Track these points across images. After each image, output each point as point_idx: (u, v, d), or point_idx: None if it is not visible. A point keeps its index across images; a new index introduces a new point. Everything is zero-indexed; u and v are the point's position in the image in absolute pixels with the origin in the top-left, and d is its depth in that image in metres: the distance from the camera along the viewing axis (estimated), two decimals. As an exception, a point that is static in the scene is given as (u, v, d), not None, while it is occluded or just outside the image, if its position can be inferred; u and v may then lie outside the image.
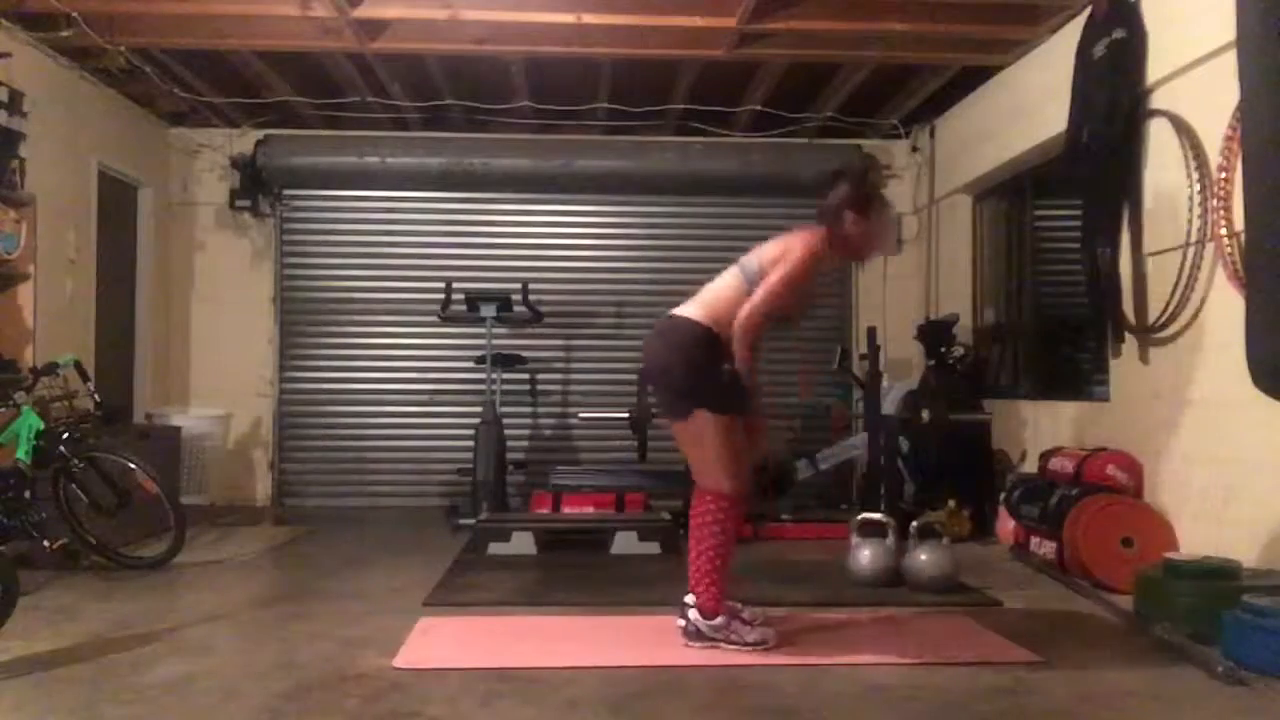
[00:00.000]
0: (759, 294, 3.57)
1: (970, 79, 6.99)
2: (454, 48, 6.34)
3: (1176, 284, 4.72)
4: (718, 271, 3.64)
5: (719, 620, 3.61)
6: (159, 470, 5.51)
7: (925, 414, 6.33)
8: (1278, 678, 3.25)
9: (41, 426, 5.11)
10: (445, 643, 3.77)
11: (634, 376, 6.89)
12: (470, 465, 6.89)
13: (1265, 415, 3.94)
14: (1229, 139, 4.29)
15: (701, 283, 3.74)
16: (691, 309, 3.67)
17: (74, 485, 5.19)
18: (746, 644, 3.59)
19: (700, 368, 3.59)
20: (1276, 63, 3.38)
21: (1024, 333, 7.08)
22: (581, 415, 7.46)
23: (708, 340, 3.60)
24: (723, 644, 3.60)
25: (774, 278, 3.58)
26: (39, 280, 6.07)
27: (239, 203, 7.97)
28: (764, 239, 3.78)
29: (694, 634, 3.64)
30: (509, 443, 7.28)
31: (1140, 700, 3.15)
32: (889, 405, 6.71)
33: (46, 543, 4.96)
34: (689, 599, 3.68)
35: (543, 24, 5.99)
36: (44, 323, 6.11)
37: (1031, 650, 3.60)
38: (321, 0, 5.64)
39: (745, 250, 3.73)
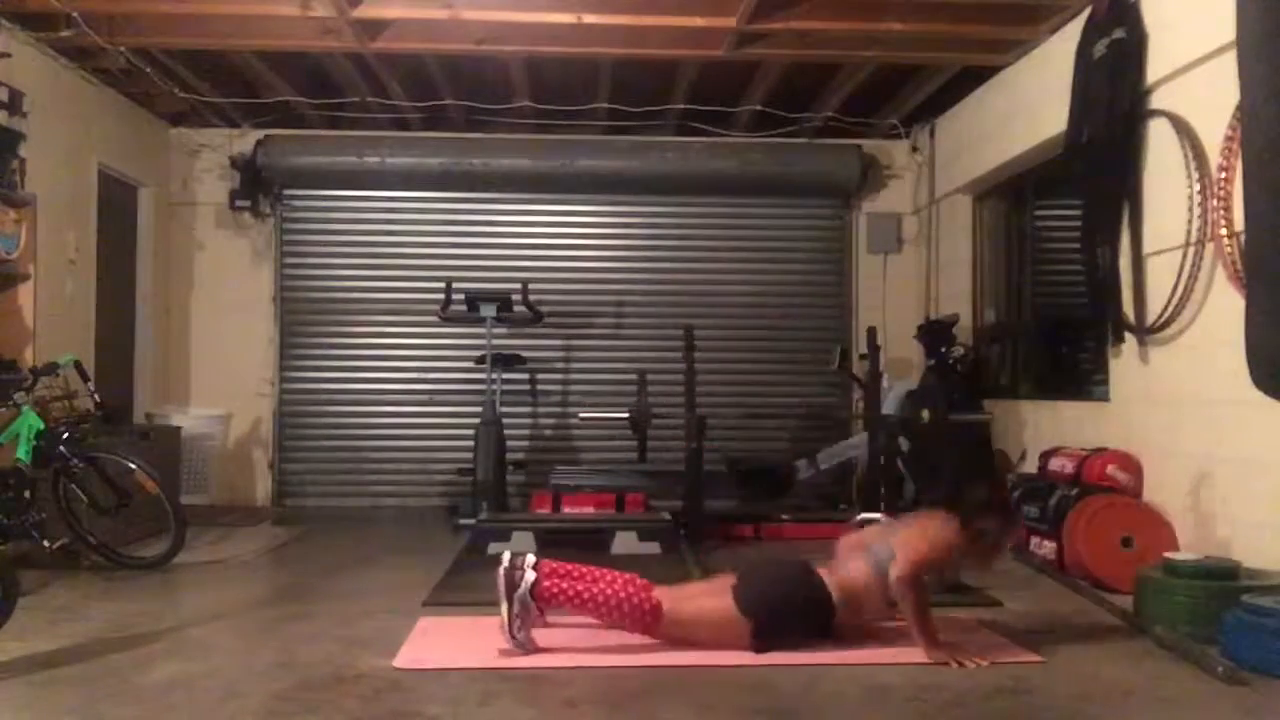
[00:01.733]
0: (903, 558, 3.60)
1: (970, 79, 6.99)
2: (454, 48, 6.34)
3: (1176, 284, 4.72)
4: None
5: (532, 605, 3.55)
6: (159, 470, 5.52)
7: (925, 414, 6.32)
8: (1278, 678, 3.26)
9: (41, 426, 5.11)
10: (445, 643, 3.77)
11: (633, 376, 6.89)
12: (470, 465, 6.89)
13: (1265, 415, 3.94)
14: (1229, 139, 4.29)
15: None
16: (825, 573, 3.72)
17: (74, 485, 5.19)
18: (512, 634, 3.53)
19: (795, 610, 3.66)
20: (1277, 62, 3.38)
21: (1024, 333, 7.08)
22: (581, 415, 7.46)
23: (820, 597, 3.66)
24: (503, 610, 3.53)
25: (910, 553, 3.62)
26: (39, 280, 6.07)
27: (239, 203, 7.97)
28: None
29: (510, 582, 3.54)
30: (509, 443, 7.28)
31: (1140, 700, 3.15)
32: (889, 405, 6.71)
33: (46, 543, 4.96)
34: (532, 560, 3.62)
35: (543, 24, 5.99)
36: (44, 323, 6.11)
37: (1031, 650, 3.60)
38: (321, 0, 5.64)
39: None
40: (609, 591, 3.60)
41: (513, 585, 3.56)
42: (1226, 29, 4.07)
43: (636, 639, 3.67)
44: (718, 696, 3.17)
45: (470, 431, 7.03)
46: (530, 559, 3.65)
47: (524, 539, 5.64)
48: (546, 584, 3.59)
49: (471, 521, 6.20)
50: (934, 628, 3.58)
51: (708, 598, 3.70)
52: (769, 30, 6.03)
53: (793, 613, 3.66)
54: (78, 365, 5.49)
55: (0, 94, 5.70)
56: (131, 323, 7.67)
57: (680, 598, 3.69)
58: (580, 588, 3.61)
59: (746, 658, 3.53)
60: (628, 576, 3.69)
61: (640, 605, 3.58)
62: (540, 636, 3.69)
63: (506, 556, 3.65)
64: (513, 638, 3.55)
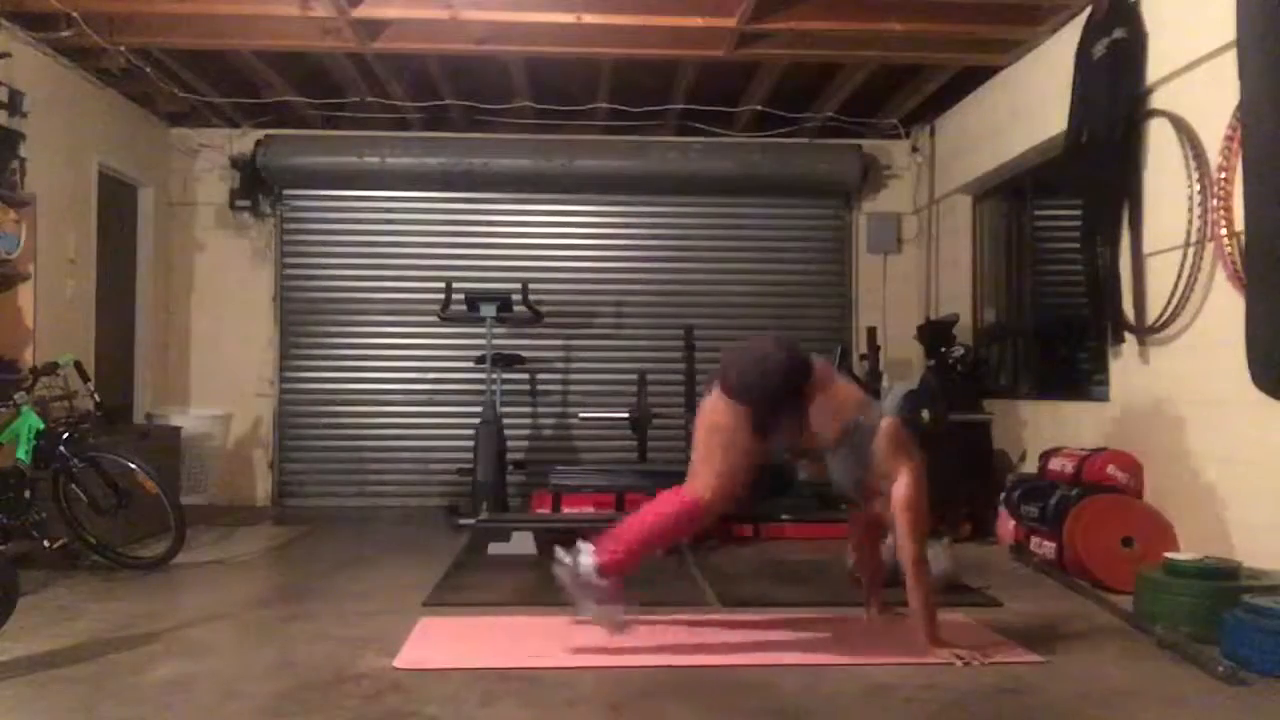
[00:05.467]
0: (907, 486, 3.57)
1: (970, 79, 6.99)
2: (454, 48, 6.34)
3: (1176, 284, 4.72)
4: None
5: (603, 581, 3.55)
6: (159, 470, 5.51)
7: (925, 414, 6.32)
8: (1278, 678, 3.26)
9: (41, 426, 5.11)
10: (445, 643, 3.77)
11: (634, 376, 6.89)
12: (470, 465, 6.89)
13: (1265, 415, 3.95)
14: (1229, 139, 4.29)
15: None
16: (818, 377, 3.72)
17: (74, 485, 5.19)
18: (600, 616, 3.55)
19: (779, 388, 3.64)
20: (1276, 63, 3.39)
21: (1024, 333, 7.08)
22: (581, 415, 7.46)
23: (802, 367, 3.67)
24: (581, 600, 3.55)
25: (914, 465, 3.63)
26: (39, 280, 6.07)
27: (239, 203, 7.97)
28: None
29: (572, 573, 3.55)
30: (509, 443, 7.28)
31: (1140, 700, 3.15)
32: (889, 405, 6.69)
33: (46, 543, 4.96)
34: (585, 545, 3.60)
35: (543, 24, 5.99)
36: (44, 323, 6.11)
37: (1031, 650, 3.60)
38: (321, 0, 5.64)
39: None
40: (655, 521, 3.61)
41: (579, 579, 3.55)
42: (1226, 29, 4.08)
43: (637, 637, 3.67)
44: (718, 697, 3.16)
45: (470, 431, 7.03)
46: (582, 544, 3.61)
47: (524, 539, 5.65)
48: (604, 557, 3.56)
49: (471, 521, 6.20)
50: (935, 612, 3.56)
51: (707, 445, 3.66)
52: (769, 30, 6.03)
53: (780, 388, 3.63)
54: (78, 365, 5.49)
55: (0, 94, 5.70)
56: (131, 323, 7.67)
57: (697, 478, 3.64)
58: (630, 538, 3.60)
59: (746, 658, 3.53)
60: (659, 498, 3.67)
61: (684, 508, 3.59)
62: (541, 636, 3.69)
63: (561, 555, 3.62)
64: (605, 625, 3.57)
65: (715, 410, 3.67)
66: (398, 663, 3.45)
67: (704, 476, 3.62)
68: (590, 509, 6.52)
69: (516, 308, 7.25)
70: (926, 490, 3.58)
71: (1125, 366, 5.27)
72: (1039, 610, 4.33)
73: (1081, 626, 4.06)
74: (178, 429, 7.33)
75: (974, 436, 6.45)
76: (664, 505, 3.65)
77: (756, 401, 3.61)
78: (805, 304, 8.30)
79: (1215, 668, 3.30)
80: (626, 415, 6.69)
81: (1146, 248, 5.06)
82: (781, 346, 3.75)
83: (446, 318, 7.35)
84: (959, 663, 3.41)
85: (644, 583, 4.85)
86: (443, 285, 7.32)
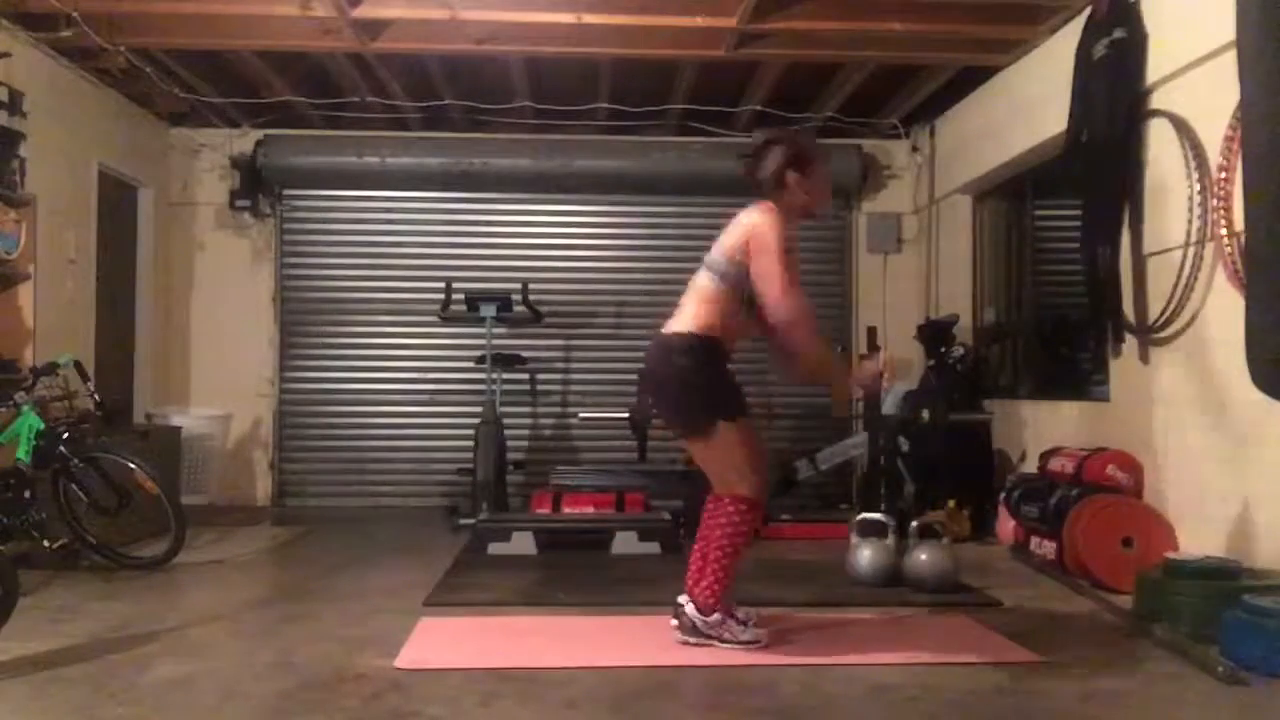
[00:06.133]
0: (771, 282, 3.54)
1: (970, 79, 6.98)
2: (454, 48, 6.34)
3: (1176, 284, 4.71)
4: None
5: (715, 617, 3.61)
6: (159, 470, 5.51)
7: (925, 414, 6.32)
8: (1278, 678, 3.25)
9: (41, 426, 5.11)
10: (445, 643, 3.77)
11: (634, 376, 6.88)
12: (470, 465, 6.89)
13: (1265, 415, 3.94)
14: (1229, 139, 4.29)
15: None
16: (676, 323, 3.66)
17: (74, 485, 5.18)
18: (740, 642, 3.59)
19: (700, 381, 3.59)
20: (1277, 63, 3.38)
21: (1024, 333, 7.08)
22: (581, 415, 7.46)
23: (701, 349, 3.59)
24: (716, 641, 3.60)
25: (767, 265, 3.56)
26: (39, 280, 6.07)
27: (239, 203, 7.97)
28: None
29: (689, 629, 3.63)
30: (509, 443, 7.28)
31: (1140, 700, 3.16)
32: (889, 405, 6.71)
33: (46, 543, 4.96)
34: (682, 599, 3.67)
35: (543, 24, 5.99)
36: (44, 323, 6.11)
37: (1031, 650, 3.60)
38: (321, 0, 5.64)
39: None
40: (721, 539, 3.59)
41: (694, 628, 3.60)
42: (1226, 29, 4.07)
43: (637, 637, 3.67)
44: (718, 696, 3.17)
45: (470, 431, 7.03)
46: (680, 599, 3.66)
47: (524, 539, 5.65)
48: (701, 597, 3.60)
49: (471, 521, 6.20)
50: (833, 355, 3.56)
51: (717, 457, 3.65)
52: (769, 30, 6.03)
53: (708, 382, 3.60)
54: (78, 365, 5.49)
55: (0, 94, 5.70)
56: (131, 323, 7.67)
57: (724, 476, 3.63)
58: (714, 569, 3.60)
59: (747, 658, 3.53)
60: (710, 511, 3.66)
61: (738, 514, 3.58)
62: (541, 636, 3.70)
63: (673, 623, 3.66)
64: (745, 644, 3.58)
65: (697, 448, 3.68)
66: (398, 663, 3.45)
67: (735, 478, 3.61)
68: (590, 509, 6.53)
69: (516, 308, 7.25)
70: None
71: (1125, 366, 5.27)
72: (1039, 610, 4.33)
73: (1081, 626, 4.07)
74: (178, 429, 7.33)
75: (974, 436, 6.45)
76: (721, 517, 3.63)
77: (693, 411, 3.61)
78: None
79: (1215, 668, 3.30)
80: (626, 415, 6.69)
81: (1146, 248, 5.06)
82: (665, 364, 3.66)
83: (446, 318, 7.35)
84: (869, 381, 3.44)
85: (644, 583, 4.87)
86: (443, 285, 7.32)
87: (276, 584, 5.18)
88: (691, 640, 3.62)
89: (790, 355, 3.78)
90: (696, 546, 3.70)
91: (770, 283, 3.55)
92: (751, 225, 3.67)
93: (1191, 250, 4.64)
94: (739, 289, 3.63)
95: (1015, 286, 7.24)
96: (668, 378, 3.66)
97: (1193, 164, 4.63)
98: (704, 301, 3.65)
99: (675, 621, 3.67)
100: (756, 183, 3.75)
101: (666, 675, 3.36)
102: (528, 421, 8.15)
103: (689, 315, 3.65)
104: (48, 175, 6.16)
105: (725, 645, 3.59)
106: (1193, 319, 4.68)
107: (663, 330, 3.71)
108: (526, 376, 8.00)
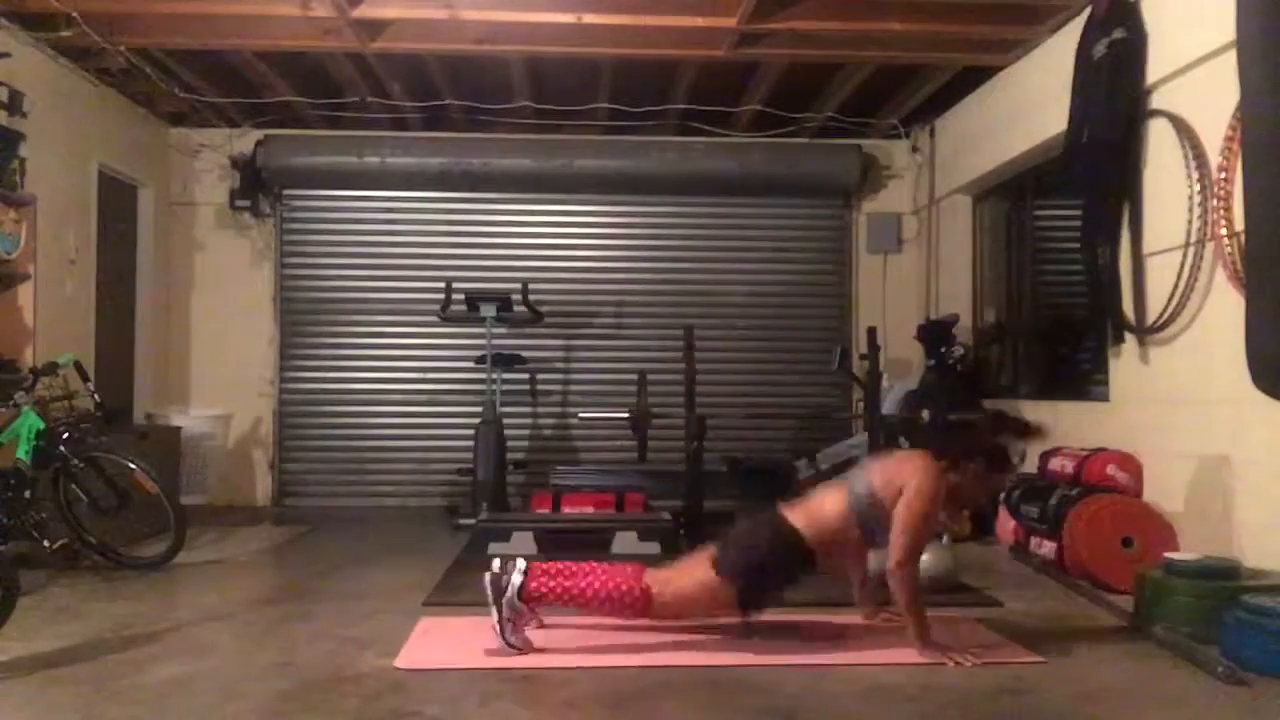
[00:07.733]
0: (902, 539, 3.54)
1: (970, 79, 6.99)
2: (454, 48, 6.34)
3: (1176, 284, 4.72)
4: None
5: (521, 607, 3.58)
6: (159, 470, 5.51)
7: (925, 414, 6.32)
8: (1278, 678, 3.26)
9: (41, 426, 5.11)
10: (445, 643, 3.77)
11: (634, 376, 6.88)
12: (470, 465, 6.89)
13: (1265, 415, 3.94)
14: (1229, 139, 4.29)
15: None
16: (795, 514, 3.69)
17: (74, 485, 5.19)
18: (505, 638, 3.54)
19: (771, 564, 3.63)
20: (1276, 63, 3.38)
21: (1024, 333, 7.08)
22: (581, 415, 7.46)
23: (793, 542, 3.63)
24: (494, 616, 3.54)
25: (910, 522, 3.54)
26: (39, 280, 6.07)
27: (239, 203, 7.97)
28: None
29: (497, 587, 3.57)
30: (509, 443, 7.28)
31: (1140, 700, 3.16)
32: (889, 405, 6.71)
33: (46, 543, 4.96)
34: (523, 563, 3.63)
35: (543, 24, 5.99)
36: (44, 323, 6.11)
37: (1031, 650, 3.60)
38: (321, 0, 5.64)
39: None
40: (597, 585, 3.60)
41: (500, 590, 3.57)
42: (1226, 29, 4.07)
43: (636, 637, 3.67)
44: (718, 696, 3.16)
45: (470, 431, 7.04)
46: (520, 563, 3.65)
47: (524, 539, 5.64)
48: (534, 584, 3.60)
49: (471, 521, 6.20)
50: (927, 622, 3.57)
51: (692, 572, 3.69)
52: (769, 30, 6.03)
53: (770, 567, 3.63)
54: (78, 365, 5.49)
55: (0, 94, 5.70)
56: (131, 323, 7.67)
57: (667, 579, 3.67)
58: (568, 584, 3.62)
59: (747, 658, 3.53)
60: (617, 567, 3.69)
61: (629, 593, 3.58)
62: (540, 637, 3.69)
63: (495, 563, 3.66)
64: (505, 642, 3.54)
65: (703, 581, 3.64)
66: (398, 663, 3.46)
67: (667, 595, 3.62)
68: (590, 509, 6.53)
69: (516, 308, 7.25)
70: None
71: (1125, 366, 5.27)
72: (1039, 610, 4.33)
73: (1081, 626, 4.07)
74: (178, 429, 7.33)
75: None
76: (615, 579, 3.62)
77: (746, 590, 3.62)
78: (805, 304, 8.30)
79: (1215, 668, 3.30)
80: (626, 415, 6.69)
81: (1146, 248, 5.06)
82: (780, 534, 3.68)
83: (446, 318, 7.35)
84: (950, 664, 3.41)
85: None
86: (443, 285, 7.32)
87: (276, 584, 5.18)
88: (487, 591, 3.56)
89: (854, 560, 3.92)
90: (583, 565, 3.69)
91: (902, 538, 3.55)
92: (918, 481, 3.60)
93: (1191, 250, 4.65)
94: (863, 520, 3.65)
95: (1015, 286, 7.24)
96: (754, 538, 3.70)
97: (1192, 164, 4.63)
98: (826, 510, 3.68)
99: (495, 568, 3.61)
100: (944, 440, 3.75)
101: (666, 675, 3.36)
102: (528, 421, 8.15)
103: (805, 511, 3.70)
104: (48, 175, 6.16)
105: (494, 625, 3.54)
106: (1192, 319, 4.68)
107: (785, 510, 3.73)
108: (526, 376, 8.00)
